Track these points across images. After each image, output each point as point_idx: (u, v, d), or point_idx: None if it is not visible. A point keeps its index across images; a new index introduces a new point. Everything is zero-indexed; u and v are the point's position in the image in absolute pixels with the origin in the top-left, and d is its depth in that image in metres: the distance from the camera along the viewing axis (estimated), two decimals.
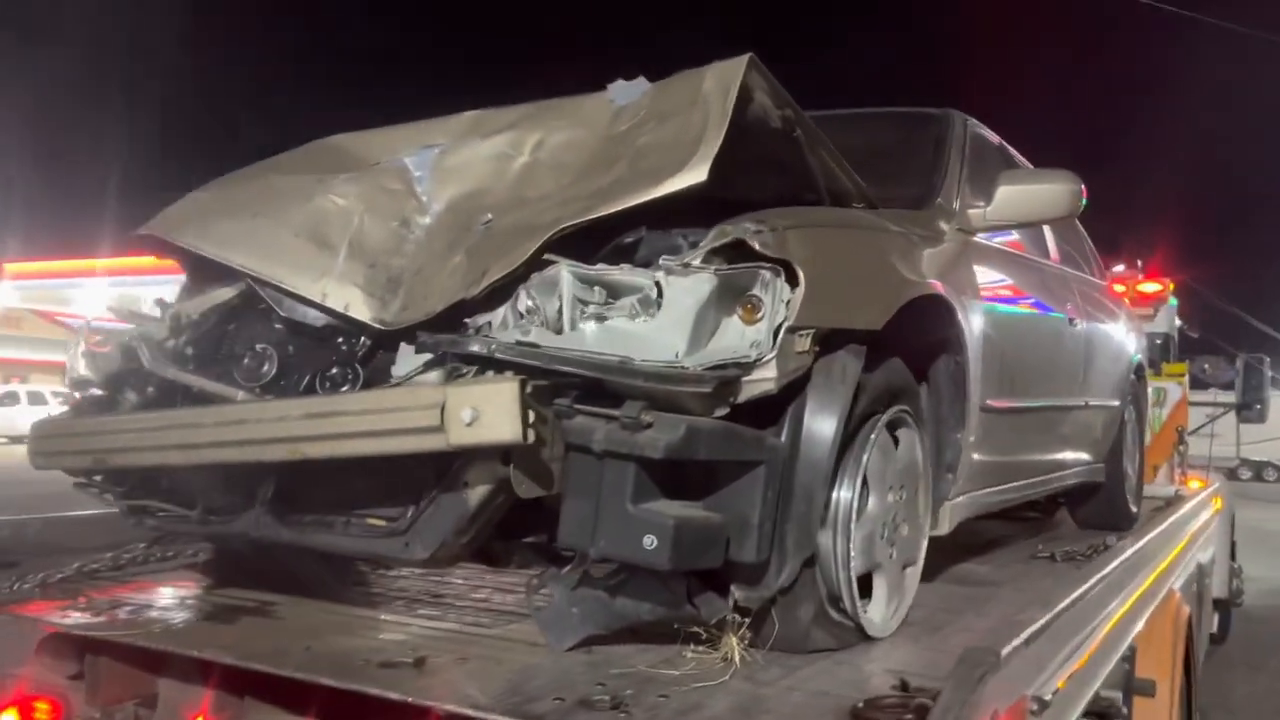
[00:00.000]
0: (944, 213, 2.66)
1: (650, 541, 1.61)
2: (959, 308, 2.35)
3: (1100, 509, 4.12)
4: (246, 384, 1.95)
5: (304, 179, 2.16)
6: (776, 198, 2.10)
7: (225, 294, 2.08)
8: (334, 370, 1.94)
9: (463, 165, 2.17)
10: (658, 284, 1.70)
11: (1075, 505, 4.25)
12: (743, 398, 1.72)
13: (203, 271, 2.16)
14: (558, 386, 1.67)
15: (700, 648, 1.84)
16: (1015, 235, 3.22)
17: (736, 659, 1.79)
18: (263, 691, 1.89)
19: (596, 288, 1.75)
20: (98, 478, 2.13)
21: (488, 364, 1.67)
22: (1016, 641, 1.62)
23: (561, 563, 1.82)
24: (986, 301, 2.59)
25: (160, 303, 2.15)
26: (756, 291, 1.73)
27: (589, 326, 1.73)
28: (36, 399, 23.42)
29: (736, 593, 1.83)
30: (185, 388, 2.00)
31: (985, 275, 2.67)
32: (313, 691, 1.72)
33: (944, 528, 2.47)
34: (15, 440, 21.44)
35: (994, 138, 3.51)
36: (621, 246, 1.84)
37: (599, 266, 1.77)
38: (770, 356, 1.70)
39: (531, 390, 1.60)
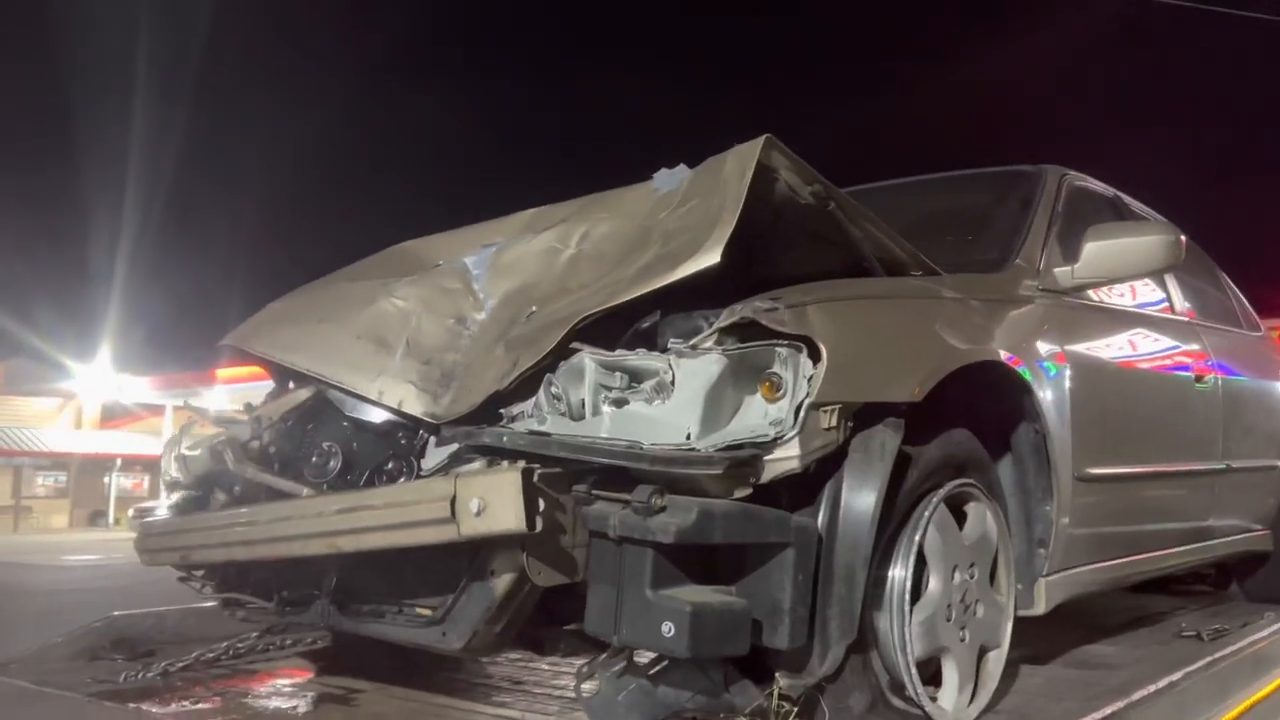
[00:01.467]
0: (1025, 273, 2.55)
1: (669, 629, 1.59)
2: (1034, 373, 2.24)
3: (1271, 580, 3.74)
4: (314, 481, 2.07)
5: (370, 284, 2.31)
6: (825, 273, 2.09)
7: (301, 396, 2.23)
8: (390, 465, 2.03)
9: (516, 261, 2.27)
10: (670, 366, 1.71)
11: (1243, 577, 3.88)
12: (766, 477, 1.69)
13: (282, 376, 2.33)
14: (577, 474, 1.70)
15: None
16: (1131, 291, 3.05)
17: None
18: None
19: (618, 373, 1.78)
20: (197, 572, 2.30)
21: (502, 454, 1.72)
22: None
23: (605, 650, 1.82)
24: (1077, 364, 2.45)
25: (248, 407, 2.32)
26: (776, 369, 1.71)
27: (609, 411, 1.75)
28: None
29: (780, 680, 1.77)
30: (266, 486, 2.15)
31: (1075, 336, 2.52)
32: None
33: (1039, 607, 2.31)
34: None
35: (1105, 190, 3.36)
36: (640, 331, 1.86)
37: (618, 353, 1.80)
38: (792, 435, 1.67)
39: (543, 478, 1.63)
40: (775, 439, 1.67)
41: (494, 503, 1.58)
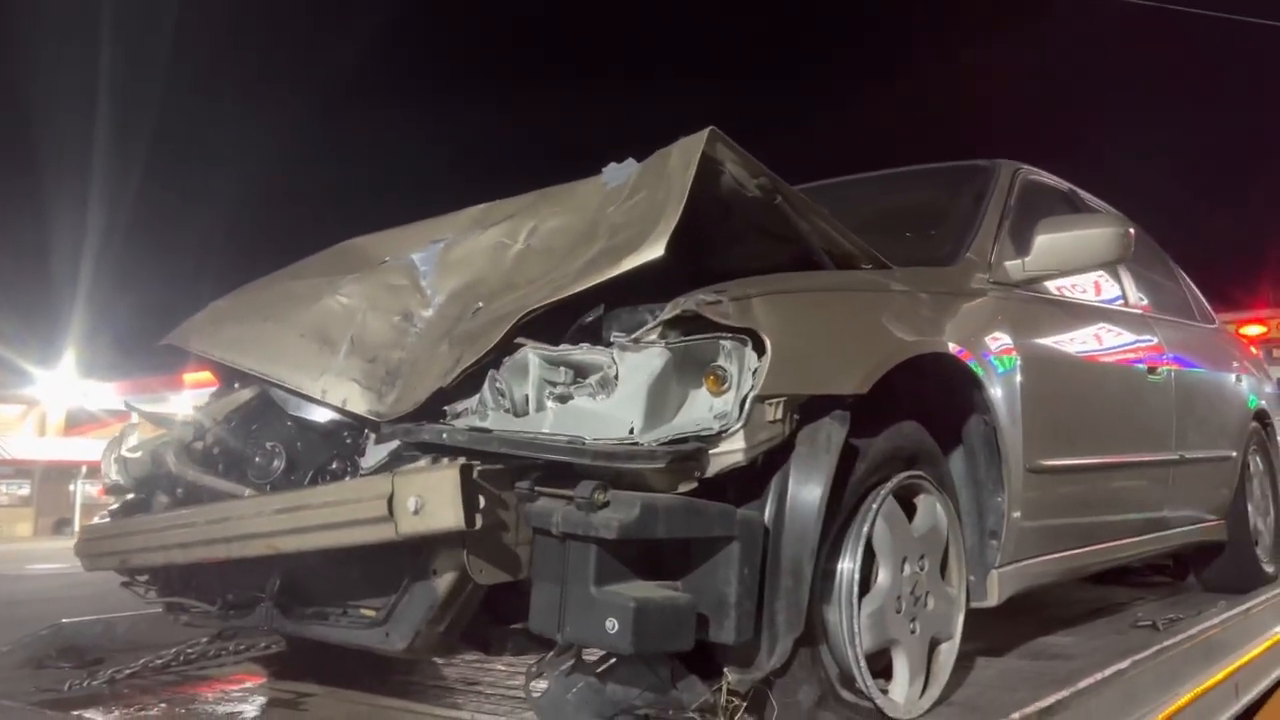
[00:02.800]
0: (975, 266, 2.56)
1: (612, 625, 1.57)
2: (982, 366, 2.24)
3: (1226, 570, 3.78)
4: (257, 482, 2.03)
5: (316, 281, 2.27)
6: (774, 266, 2.08)
7: (244, 396, 2.20)
8: (335, 465, 2.00)
9: (464, 257, 2.24)
10: (614, 360, 1.70)
11: (1199, 567, 3.92)
12: (712, 471, 1.68)
13: (228, 375, 2.29)
14: (519, 470, 1.68)
15: None
16: (1085, 283, 3.06)
17: None
18: None
19: (562, 368, 1.76)
20: (140, 577, 2.26)
21: (442, 451, 1.70)
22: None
23: (553, 649, 1.80)
24: (1028, 356, 2.45)
25: (193, 407, 2.28)
26: (721, 362, 1.70)
27: (553, 407, 1.73)
28: None
29: (729, 675, 1.76)
30: (209, 489, 2.11)
31: (1026, 329, 2.53)
32: None
33: (992, 599, 2.31)
34: None
35: (1060, 185, 3.38)
36: (584, 325, 1.85)
37: (562, 347, 1.78)
38: (737, 428, 1.66)
39: (484, 475, 1.61)
40: (720, 432, 1.66)
41: (432, 500, 1.56)
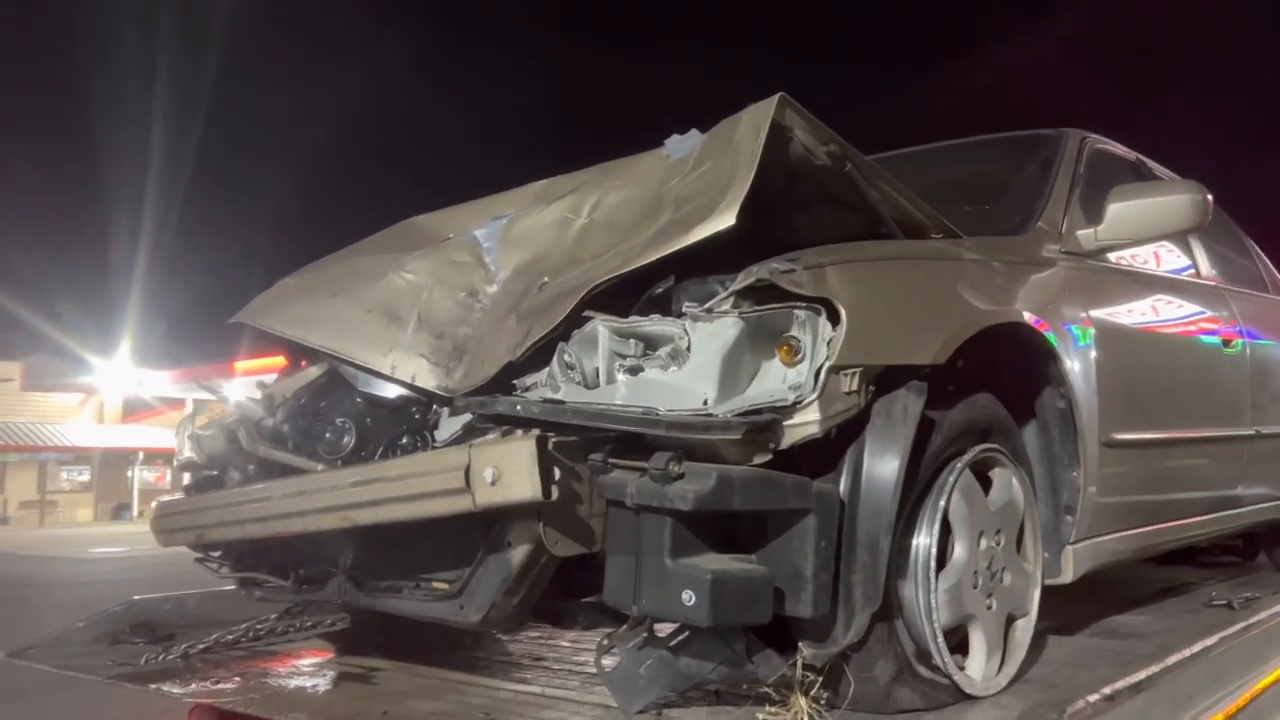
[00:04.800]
0: (1047, 236, 2.50)
1: (689, 597, 1.55)
2: (1058, 336, 2.19)
3: None
4: (328, 457, 2.05)
5: (381, 258, 2.28)
6: (844, 235, 2.04)
7: (313, 373, 2.21)
8: (405, 439, 2.01)
9: (527, 232, 2.23)
10: (686, 331, 1.68)
11: (1271, 546, 3.82)
12: (786, 443, 1.65)
13: (296, 353, 2.31)
14: (593, 442, 1.66)
15: (772, 709, 1.75)
16: (1155, 254, 2.98)
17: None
18: None
19: (632, 340, 1.75)
20: (213, 552, 2.29)
21: (516, 423, 1.69)
22: (1094, 697, 1.45)
23: (624, 622, 1.79)
24: (1102, 327, 2.39)
25: (260, 384, 2.30)
26: (794, 332, 1.67)
27: (624, 379, 1.72)
28: None
29: (804, 650, 1.74)
30: (280, 465, 2.13)
31: (1100, 300, 2.47)
32: None
33: (1067, 575, 2.26)
34: None
35: (1127, 154, 3.29)
36: (654, 297, 1.83)
37: (632, 319, 1.77)
38: (812, 399, 1.63)
39: (558, 446, 1.60)
40: (795, 404, 1.63)
41: (508, 471, 1.56)
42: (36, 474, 28.14)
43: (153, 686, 2.34)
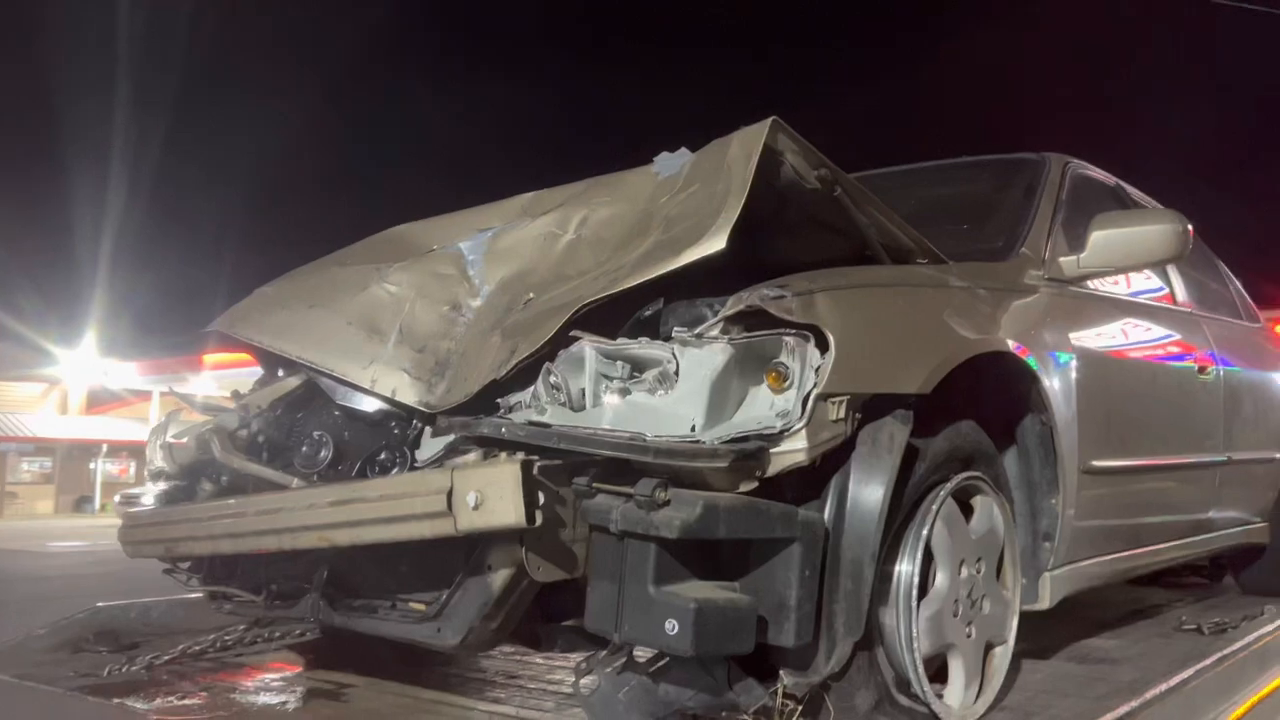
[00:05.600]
0: (1030, 262, 2.51)
1: (672, 626, 1.54)
2: (1040, 364, 2.19)
3: (1268, 573, 3.72)
4: (304, 471, 2.01)
5: (363, 269, 2.24)
6: (829, 259, 2.03)
7: (290, 384, 2.17)
8: (383, 455, 1.97)
9: (513, 246, 2.21)
10: (675, 355, 1.66)
11: (1239, 569, 3.86)
12: (773, 470, 1.64)
13: (272, 362, 2.27)
14: (577, 466, 1.64)
15: None
16: (1134, 281, 3.00)
17: None
18: None
19: (619, 362, 1.73)
20: (183, 564, 2.24)
21: (500, 445, 1.67)
22: None
23: (604, 646, 1.77)
24: (1083, 355, 2.40)
25: (235, 395, 2.26)
26: (783, 359, 1.66)
27: (611, 402, 1.70)
28: None
29: (785, 678, 1.73)
30: (254, 477, 2.09)
31: (1081, 327, 2.48)
32: None
33: (1044, 602, 2.27)
34: None
35: (1107, 179, 3.31)
36: (643, 319, 1.81)
37: (620, 341, 1.75)
38: (800, 426, 1.62)
39: (543, 470, 1.58)
40: (782, 431, 1.62)
41: (492, 496, 1.53)
42: None
43: (115, 701, 2.29)
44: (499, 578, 1.68)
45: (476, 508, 1.54)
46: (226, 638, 2.66)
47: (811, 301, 1.68)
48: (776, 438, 1.62)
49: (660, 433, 1.62)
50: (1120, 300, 2.83)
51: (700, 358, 1.64)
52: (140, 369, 26.17)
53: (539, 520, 1.54)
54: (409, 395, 1.94)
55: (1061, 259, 2.57)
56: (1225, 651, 2.19)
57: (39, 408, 29.09)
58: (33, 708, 2.34)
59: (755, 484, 1.64)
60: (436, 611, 1.75)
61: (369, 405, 2.03)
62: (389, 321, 2.08)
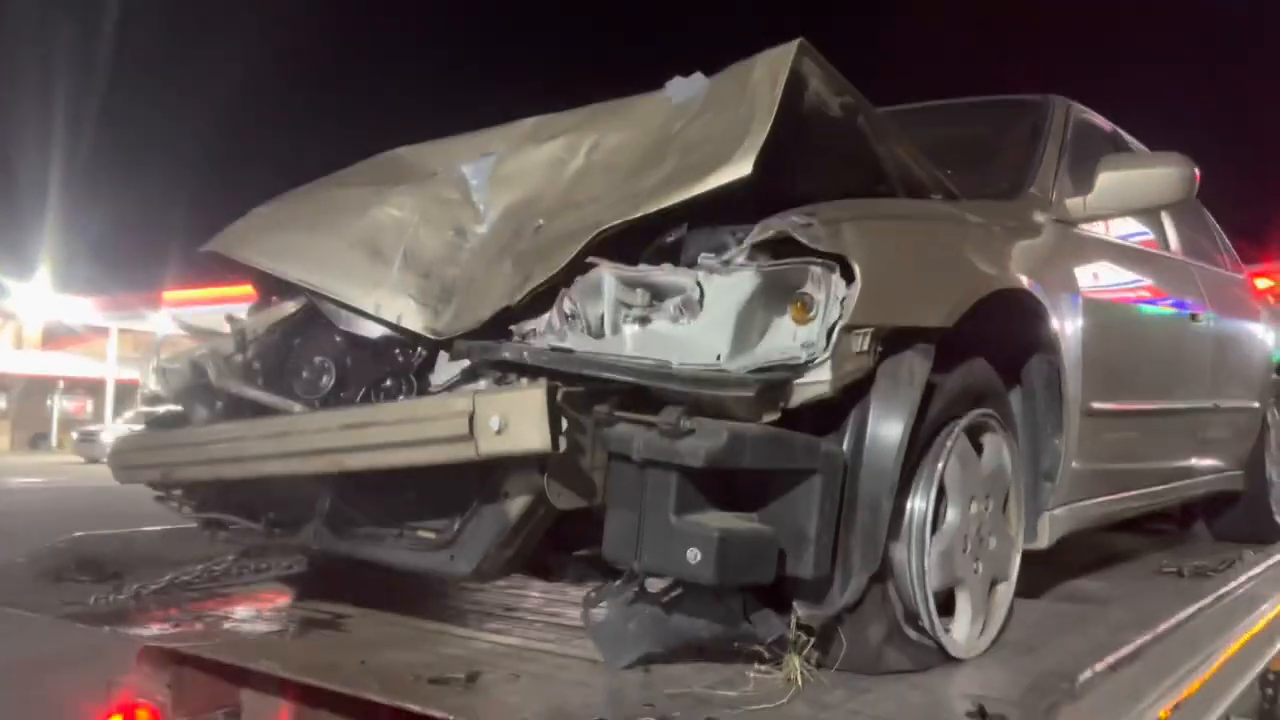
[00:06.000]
0: (1038, 203, 2.49)
1: (694, 555, 1.52)
2: (1050, 304, 2.18)
3: (1240, 521, 3.79)
4: (305, 397, 1.96)
5: (363, 191, 2.17)
6: (844, 191, 1.99)
7: (288, 308, 2.11)
8: (389, 382, 1.93)
9: (519, 172, 2.14)
10: (699, 284, 1.62)
11: (1212, 517, 3.94)
12: (795, 401, 1.62)
13: (268, 287, 2.20)
14: (597, 393, 1.61)
15: (763, 668, 1.73)
16: (1130, 226, 3.00)
17: (799, 680, 1.68)
18: (337, 705, 1.89)
19: (639, 290, 1.69)
20: (175, 491, 2.18)
21: (522, 371, 1.63)
22: (1100, 666, 1.46)
23: (616, 576, 1.76)
24: (1088, 297, 2.40)
25: (229, 319, 2.19)
26: (808, 289, 1.63)
27: (631, 330, 1.66)
28: None
29: (799, 610, 1.72)
30: (251, 403, 2.03)
31: (1086, 268, 2.47)
32: (379, 707, 1.70)
33: (1043, 541, 2.29)
34: None
35: (1105, 124, 3.29)
36: (664, 246, 1.76)
37: (641, 268, 1.70)
38: (824, 358, 1.60)
39: (565, 397, 1.54)
40: (806, 362, 1.59)
41: (516, 420, 1.49)
42: None
43: (107, 628, 2.25)
44: (516, 504, 1.65)
45: (499, 432, 1.50)
46: (215, 568, 2.61)
47: (839, 230, 1.64)
48: (801, 369, 1.59)
49: (683, 361, 1.59)
50: (1121, 245, 2.83)
51: (726, 285, 1.60)
52: (97, 305, 25.68)
53: (564, 446, 1.50)
54: (415, 321, 1.89)
55: (1068, 200, 2.55)
56: (1221, 591, 2.23)
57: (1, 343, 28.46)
58: (20, 633, 2.29)
59: (777, 415, 1.62)
60: (450, 539, 1.72)
61: (372, 331, 1.97)
62: (392, 246, 2.02)
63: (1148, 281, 2.89)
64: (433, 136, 2.48)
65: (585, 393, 1.60)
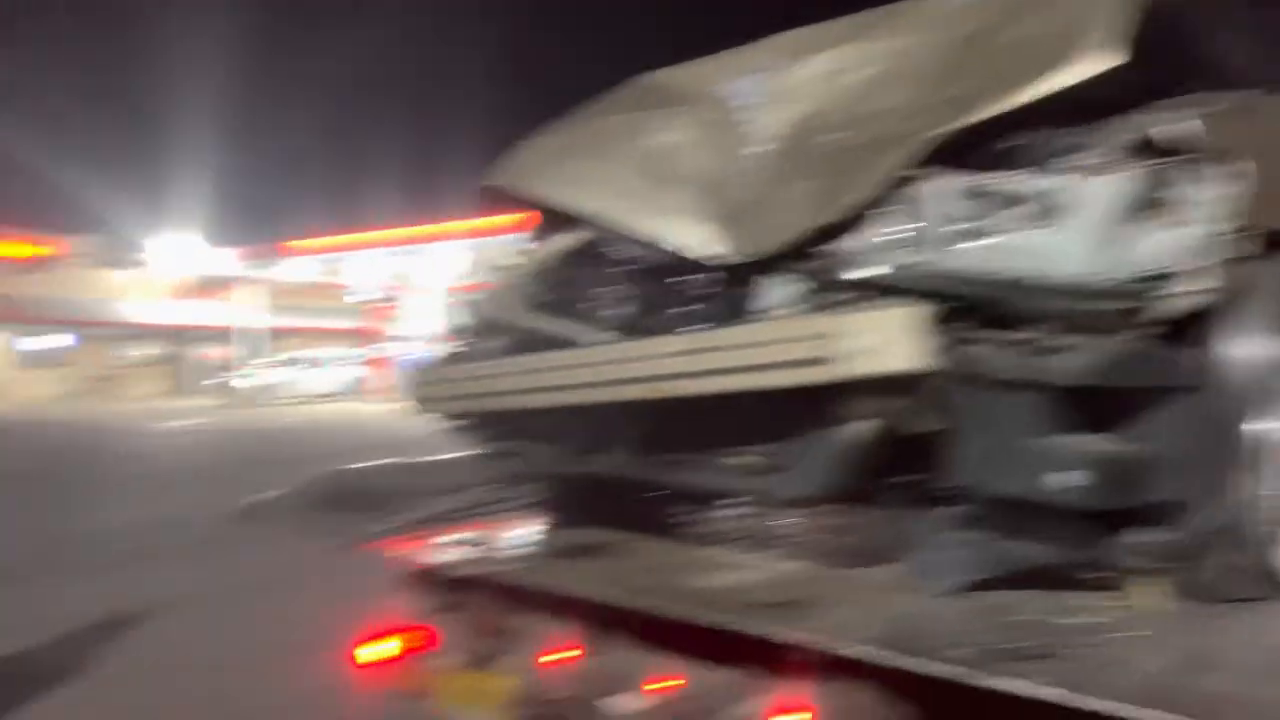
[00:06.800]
0: None
1: (1062, 479, 1.44)
2: None
3: None
4: (605, 327, 1.94)
5: (630, 117, 2.12)
6: (1184, 91, 1.84)
7: (578, 239, 2.08)
8: (689, 309, 1.89)
9: (791, 88, 2.05)
10: (1058, 190, 1.51)
11: None
12: (1166, 313, 1.50)
13: (553, 219, 2.18)
14: (950, 311, 1.53)
15: (1106, 595, 1.65)
16: None
17: (1147, 609, 1.59)
18: (614, 626, 1.89)
19: (984, 200, 1.59)
20: (472, 421, 2.21)
21: (871, 290, 1.55)
22: None
23: (934, 503, 1.69)
24: None
25: (523, 252, 2.18)
26: (1184, 191, 1.50)
27: (978, 243, 1.56)
28: (316, 364, 26.20)
29: (1155, 537, 1.62)
30: (546, 334, 2.02)
31: None
32: (671, 628, 1.68)
33: None
34: (304, 401, 23.98)
35: None
36: (997, 153, 1.64)
37: (989, 175, 1.60)
38: (1206, 265, 1.47)
39: (929, 315, 1.47)
40: (1183, 271, 1.47)
41: (878, 342, 1.43)
42: (101, 350, 28.64)
43: (389, 553, 2.32)
44: (861, 429, 1.59)
45: (861, 355, 1.44)
46: (483, 497, 2.64)
47: (1220, 127, 1.50)
48: (1176, 278, 1.48)
49: (1044, 273, 1.49)
50: None
51: (1095, 190, 1.49)
52: (240, 255, 26.79)
53: (931, 366, 1.44)
54: (709, 247, 1.83)
55: None
56: None
57: (140, 294, 29.89)
58: (300, 560, 2.38)
59: (1142, 330, 1.52)
60: (784, 463, 1.68)
61: (664, 259, 1.93)
62: (674, 170, 1.97)
63: None
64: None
65: (937, 312, 1.53)
